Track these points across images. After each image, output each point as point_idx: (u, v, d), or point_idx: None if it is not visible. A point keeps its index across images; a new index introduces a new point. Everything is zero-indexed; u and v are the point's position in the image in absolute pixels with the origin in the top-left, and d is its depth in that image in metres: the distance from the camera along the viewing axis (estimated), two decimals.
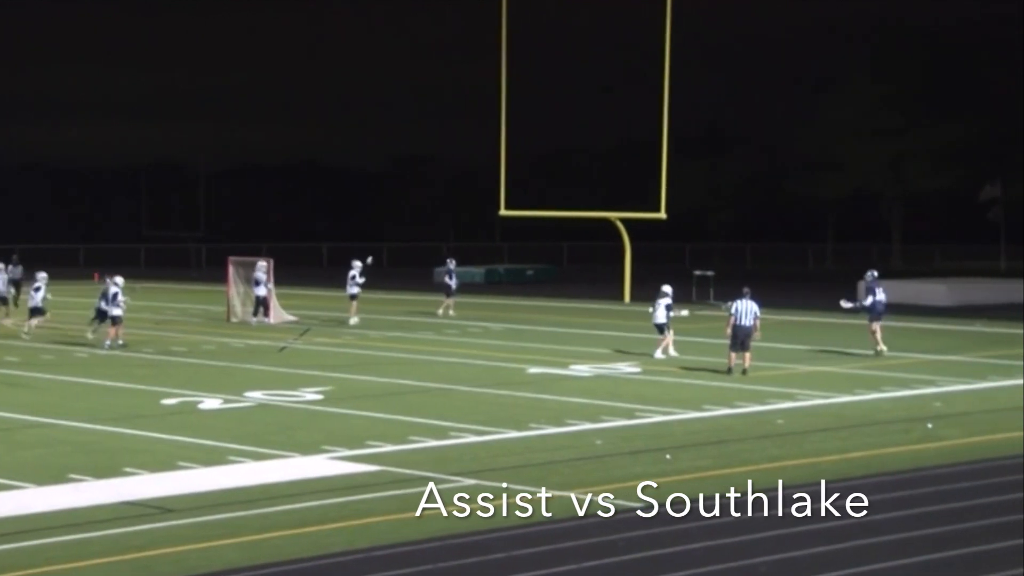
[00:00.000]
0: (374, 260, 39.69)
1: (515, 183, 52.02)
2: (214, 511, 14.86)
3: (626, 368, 28.21)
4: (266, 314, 37.81)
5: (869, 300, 30.78)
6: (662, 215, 46.51)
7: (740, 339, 26.78)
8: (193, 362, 29.04)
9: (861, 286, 33.12)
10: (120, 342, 31.39)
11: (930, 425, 20.72)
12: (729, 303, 28.16)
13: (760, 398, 23.69)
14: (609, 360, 29.47)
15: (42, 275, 34.39)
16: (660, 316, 30.01)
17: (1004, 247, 69.66)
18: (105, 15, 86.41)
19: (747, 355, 26.86)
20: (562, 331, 36.39)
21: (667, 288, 30.28)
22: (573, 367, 28.31)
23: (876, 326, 30.34)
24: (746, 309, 26.81)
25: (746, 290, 27.37)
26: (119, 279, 32.04)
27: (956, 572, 12.59)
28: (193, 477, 16.75)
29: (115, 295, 31.36)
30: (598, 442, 19.24)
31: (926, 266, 76.54)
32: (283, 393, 24.06)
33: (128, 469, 17.10)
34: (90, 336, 32.08)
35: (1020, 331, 36.62)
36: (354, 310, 38.47)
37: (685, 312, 31.65)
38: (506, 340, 33.72)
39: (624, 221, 50.25)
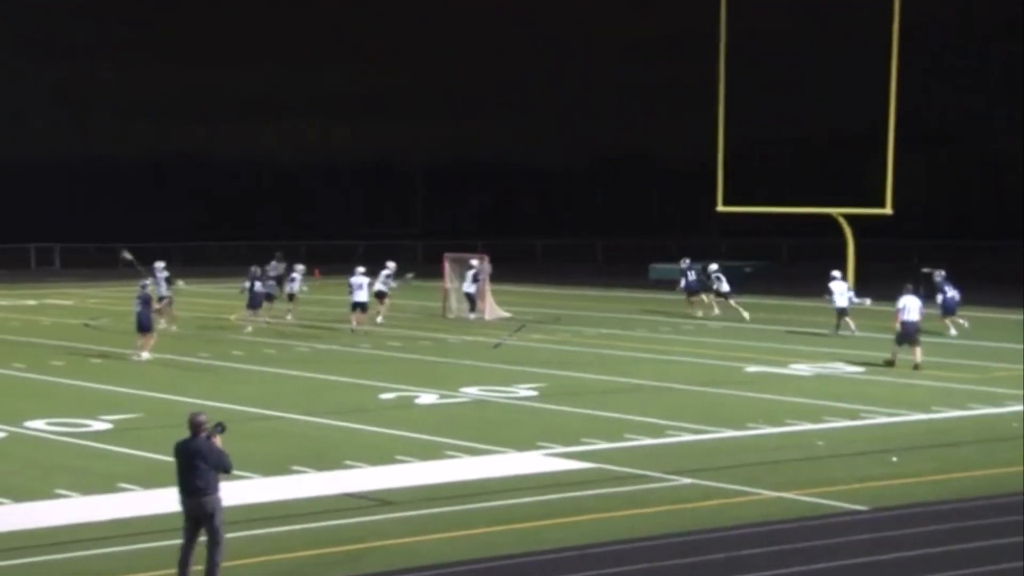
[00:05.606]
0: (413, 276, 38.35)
1: (732, 179, 51.18)
2: (430, 505, 14.91)
3: (848, 368, 27.40)
4: (474, 309, 37.98)
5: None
6: (887, 210, 45.09)
7: (908, 334, 26.89)
8: (409, 357, 29.39)
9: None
10: (162, 324, 32.86)
11: None
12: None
13: (995, 400, 22.68)
14: (830, 360, 28.69)
15: (300, 267, 38.11)
16: (842, 301, 33.57)
17: None
18: (312, 16, 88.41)
19: (917, 350, 26.89)
20: (781, 330, 35.56)
21: (837, 273, 34.68)
22: (793, 366, 27.65)
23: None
24: (913, 304, 26.98)
25: (909, 286, 27.70)
26: (159, 264, 34.42)
27: None
28: (410, 471, 16.87)
29: (166, 277, 34.06)
30: (819, 443, 18.70)
31: None
32: (498, 389, 24.12)
33: (348, 462, 17.33)
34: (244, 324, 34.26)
35: None
36: (384, 309, 36.10)
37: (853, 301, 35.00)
38: (722, 338, 33.14)
39: (847, 217, 48.86)
